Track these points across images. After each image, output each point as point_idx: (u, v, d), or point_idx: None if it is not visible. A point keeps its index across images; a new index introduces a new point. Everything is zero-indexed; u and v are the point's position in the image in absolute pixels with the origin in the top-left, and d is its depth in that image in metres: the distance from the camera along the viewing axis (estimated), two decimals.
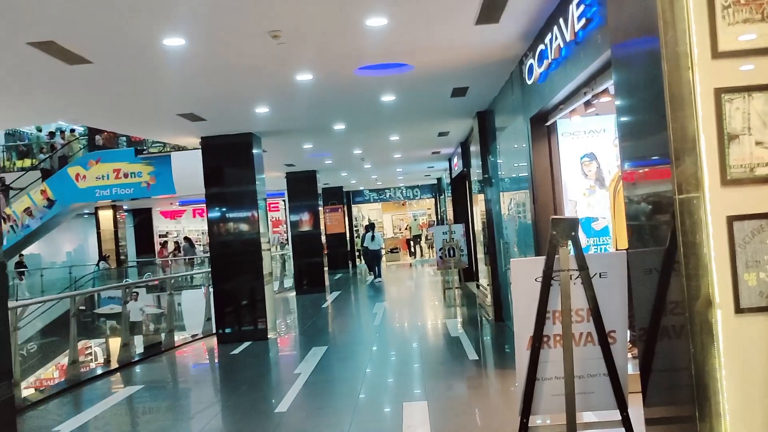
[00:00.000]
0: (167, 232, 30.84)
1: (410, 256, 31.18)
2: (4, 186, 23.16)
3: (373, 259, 20.85)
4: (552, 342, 3.89)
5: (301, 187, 18.46)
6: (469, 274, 15.80)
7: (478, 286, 14.37)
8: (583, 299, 3.80)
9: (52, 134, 25.56)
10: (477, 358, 8.25)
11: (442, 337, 10.23)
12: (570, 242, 3.77)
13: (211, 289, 11.30)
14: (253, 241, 10.83)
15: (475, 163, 13.21)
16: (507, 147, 9.14)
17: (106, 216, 25.76)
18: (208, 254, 15.67)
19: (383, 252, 23.20)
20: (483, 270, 13.83)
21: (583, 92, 5.40)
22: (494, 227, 10.55)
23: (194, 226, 32.18)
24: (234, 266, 10.82)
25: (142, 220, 29.62)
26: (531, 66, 6.31)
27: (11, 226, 22.60)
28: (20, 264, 25.92)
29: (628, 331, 3.99)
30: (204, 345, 11.19)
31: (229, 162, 10.89)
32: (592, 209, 6.61)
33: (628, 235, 3.42)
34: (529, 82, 6.51)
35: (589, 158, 6.73)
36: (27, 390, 12.86)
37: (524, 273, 3.90)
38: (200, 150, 10.95)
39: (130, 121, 9.43)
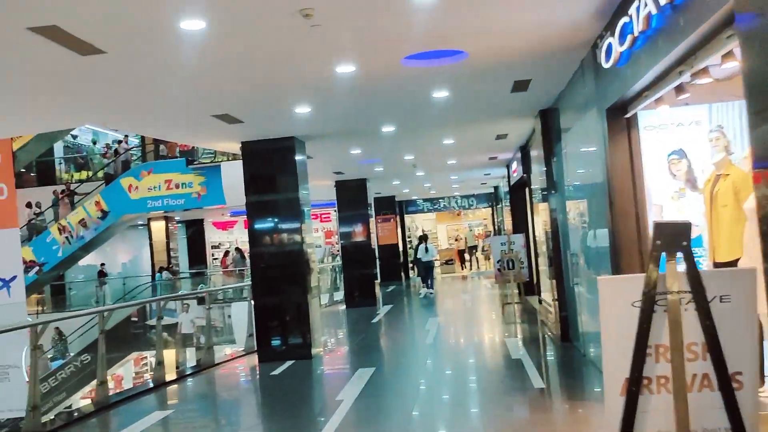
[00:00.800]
0: (219, 243, 30.55)
1: (462, 267, 30.07)
2: (69, 192, 23.16)
3: (426, 271, 20.48)
4: (655, 386, 2.95)
5: (351, 196, 17.71)
6: (529, 287, 14.75)
7: (540, 301, 13.32)
8: (698, 331, 2.86)
9: (108, 146, 25.51)
10: (543, 385, 7.26)
11: (501, 358, 9.25)
12: (680, 255, 2.83)
13: (251, 304, 10.59)
14: (297, 252, 10.07)
15: (537, 168, 12.20)
16: (575, 148, 8.15)
17: (158, 227, 25.56)
18: None
19: (436, 263, 22.72)
20: (546, 284, 12.78)
21: (678, 72, 4.42)
22: (560, 238, 9.53)
23: (246, 237, 31.83)
24: (277, 279, 10.09)
25: (195, 231, 29.39)
26: (609, 46, 5.35)
27: (67, 237, 22.55)
28: (102, 273, 26.07)
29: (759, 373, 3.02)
30: (244, 364, 10.47)
31: (271, 168, 10.18)
32: (682, 215, 5.58)
33: (764, 249, 2.48)
34: (606, 66, 5.54)
35: (678, 156, 5.71)
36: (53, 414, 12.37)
37: (616, 295, 2.97)
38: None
39: (164, 125, 8.80)
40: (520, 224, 16.68)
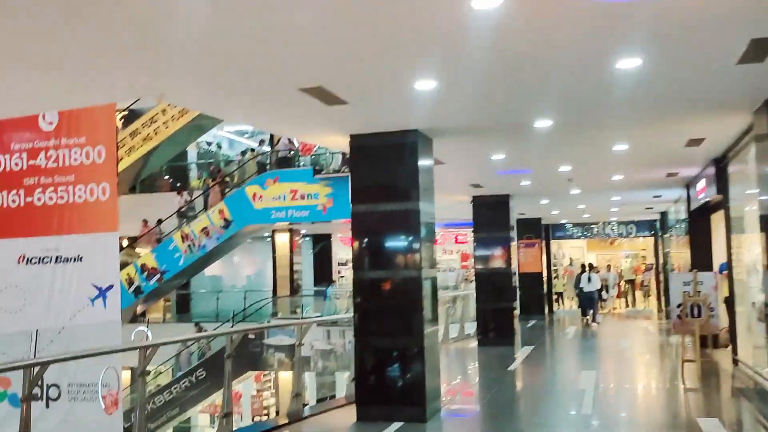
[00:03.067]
0: (347, 260, 28.76)
1: (622, 304, 26.32)
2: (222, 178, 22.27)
3: (589, 302, 19.75)
4: None
5: (491, 215, 15.05)
6: (707, 339, 11.42)
7: (735, 362, 10.06)
8: None
9: (243, 153, 24.51)
10: None
11: None
12: None
13: (351, 342, 8.24)
14: (412, 280, 7.63)
15: (740, 188, 9.14)
16: None
17: (282, 240, 24.11)
18: None
19: (599, 294, 21.11)
20: (746, 339, 9.58)
21: None
22: None
23: None
24: (383, 313, 7.71)
25: (322, 246, 27.78)
26: None
27: (189, 246, 21.51)
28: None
29: None
30: (337, 421, 8.12)
31: (385, 171, 7.86)
32: None
33: None
34: None
35: None
36: None
37: None
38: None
39: (240, 104, 6.70)
40: (702, 259, 13.38)
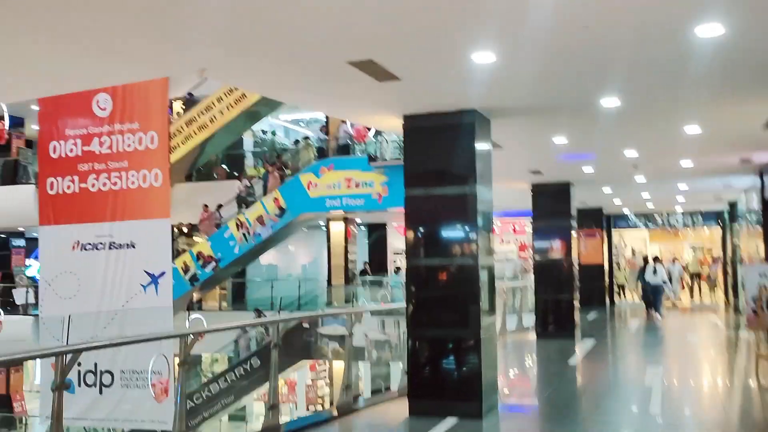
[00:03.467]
0: (402, 250, 28.40)
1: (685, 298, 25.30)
2: (249, 189, 22.26)
3: (655, 295, 18.92)
4: None
5: (550, 204, 14.49)
6: None
7: None
8: None
9: (297, 142, 24.41)
10: None
11: None
12: None
13: (404, 335, 7.90)
14: (468, 269, 7.25)
15: None
16: None
17: (337, 229, 23.91)
18: None
19: (666, 288, 20.37)
20: None
21: None
22: None
23: None
24: (437, 304, 7.36)
25: (378, 235, 27.49)
26: None
27: (243, 234, 21.54)
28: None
29: None
30: (390, 414, 7.81)
31: (440, 154, 7.48)
32: None
33: None
34: None
35: None
36: None
37: None
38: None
39: (286, 79, 6.42)
40: None
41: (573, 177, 13.88)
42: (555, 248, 14.50)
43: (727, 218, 22.51)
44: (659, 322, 17.69)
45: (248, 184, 22.36)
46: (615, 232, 25.24)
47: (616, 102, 7.17)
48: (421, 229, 7.49)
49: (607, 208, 22.35)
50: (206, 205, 22.39)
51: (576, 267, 21.54)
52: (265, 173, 22.11)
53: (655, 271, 19.05)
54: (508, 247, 26.14)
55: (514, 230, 25.87)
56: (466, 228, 7.28)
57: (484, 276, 7.32)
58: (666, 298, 21.11)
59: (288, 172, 21.45)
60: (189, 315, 21.66)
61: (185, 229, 23.09)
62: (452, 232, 7.36)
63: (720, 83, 6.71)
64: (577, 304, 16.91)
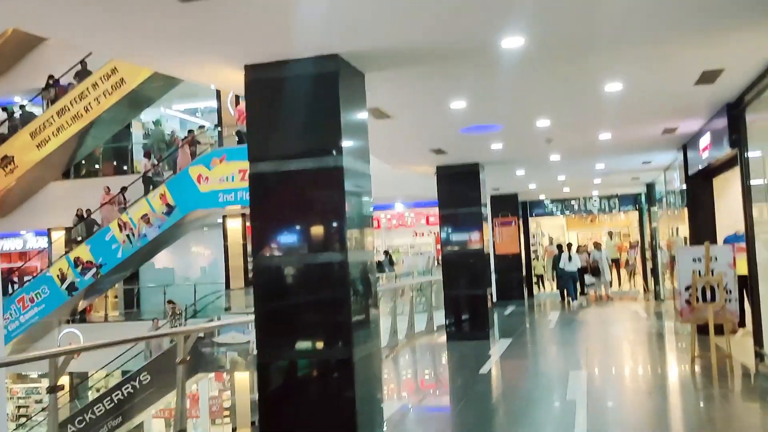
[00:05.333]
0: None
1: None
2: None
3: (571, 282, 19.06)
4: None
5: (458, 189, 12.88)
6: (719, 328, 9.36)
7: (760, 356, 8.03)
8: None
9: (191, 131, 22.01)
10: None
11: None
12: None
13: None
14: (334, 266, 5.45)
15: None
16: None
17: (234, 226, 21.74)
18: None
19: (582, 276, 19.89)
20: None
21: None
22: None
23: None
24: (294, 314, 5.54)
25: None
26: None
27: (128, 236, 19.15)
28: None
29: None
30: None
31: (287, 115, 5.63)
32: None
33: None
34: None
35: None
36: None
37: None
38: None
39: (97, 20, 4.46)
40: (703, 232, 11.39)
41: (482, 157, 12.33)
42: (466, 238, 12.92)
43: (644, 201, 21.63)
44: (577, 311, 16.94)
45: (155, 162, 20.12)
46: (532, 220, 24.09)
47: (521, 42, 5.52)
48: (270, 217, 5.64)
49: (523, 194, 21.11)
50: (108, 187, 19.98)
51: (491, 258, 20.23)
52: (174, 148, 19.93)
53: (570, 259, 18.98)
54: (424, 240, 24.62)
55: (428, 221, 24.34)
56: (331, 214, 5.47)
57: (356, 275, 5.54)
58: (601, 286, 20.20)
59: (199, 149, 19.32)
60: (61, 330, 19.23)
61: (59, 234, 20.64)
62: (312, 220, 5.53)
63: (646, 21, 5.16)
64: (494, 299, 15.49)
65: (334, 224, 5.45)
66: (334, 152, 5.47)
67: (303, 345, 5.46)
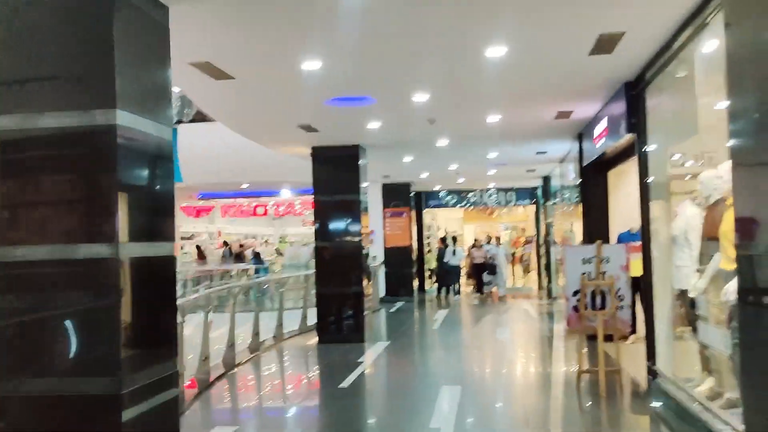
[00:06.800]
0: (192, 234, 24.55)
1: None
2: None
3: (453, 276, 19.34)
4: None
5: (334, 173, 11.51)
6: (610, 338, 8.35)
7: (652, 373, 7.01)
8: None
9: None
10: None
11: None
12: None
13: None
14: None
15: (670, 123, 6.14)
16: None
17: None
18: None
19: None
20: (667, 342, 6.61)
21: None
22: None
23: (234, 228, 25.78)
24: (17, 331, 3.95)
25: None
26: None
27: None
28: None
29: None
30: None
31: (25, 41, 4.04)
32: None
33: None
34: None
35: None
36: None
37: None
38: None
39: None
40: (596, 229, 10.52)
41: (361, 139, 10.99)
42: (340, 229, 11.56)
43: (540, 195, 20.93)
44: (464, 309, 16.41)
45: None
46: (427, 212, 23.03)
47: None
48: (14, 193, 4.02)
49: (417, 184, 19.97)
50: None
51: (381, 251, 18.97)
52: None
53: (454, 253, 19.19)
54: (306, 230, 23.10)
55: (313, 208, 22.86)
56: (97, 190, 3.91)
57: (138, 276, 4.01)
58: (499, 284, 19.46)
59: None
60: None
61: None
62: (71, 198, 3.96)
63: None
64: (377, 296, 14.21)
65: (101, 205, 3.89)
66: (104, 106, 3.90)
67: (49, 377, 3.88)
